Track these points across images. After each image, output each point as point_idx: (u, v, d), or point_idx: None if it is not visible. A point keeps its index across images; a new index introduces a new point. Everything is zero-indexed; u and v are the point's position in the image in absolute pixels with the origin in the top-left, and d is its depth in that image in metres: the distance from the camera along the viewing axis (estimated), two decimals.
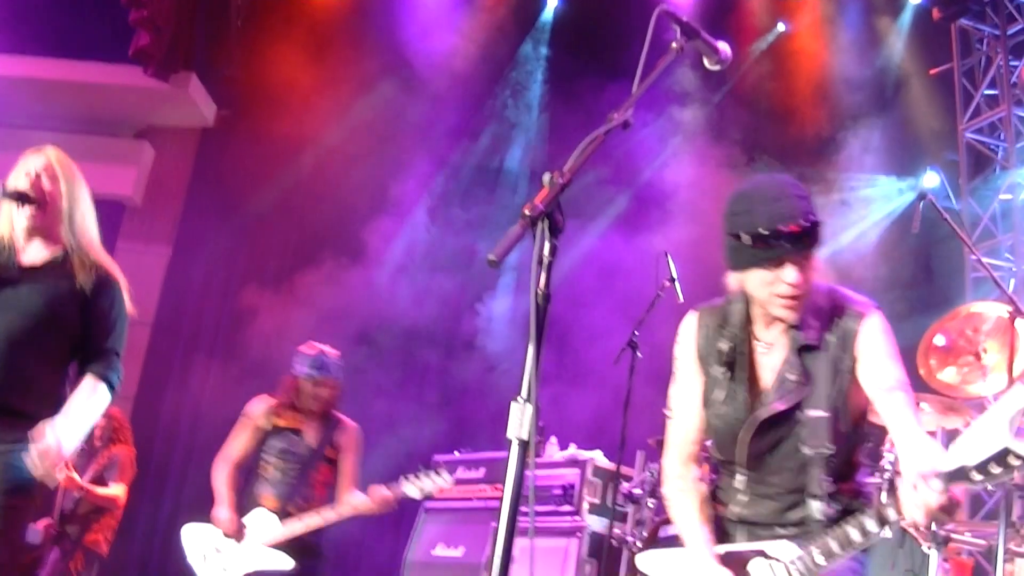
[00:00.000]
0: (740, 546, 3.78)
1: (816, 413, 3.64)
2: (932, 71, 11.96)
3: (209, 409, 12.08)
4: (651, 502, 7.70)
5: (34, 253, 5.01)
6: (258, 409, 7.37)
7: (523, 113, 13.46)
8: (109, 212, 13.45)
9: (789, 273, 3.58)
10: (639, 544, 7.51)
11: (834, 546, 3.48)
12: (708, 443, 4.04)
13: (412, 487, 6.93)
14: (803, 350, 3.71)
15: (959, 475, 3.16)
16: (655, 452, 7.79)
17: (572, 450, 8.74)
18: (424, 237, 12.97)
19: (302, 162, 12.91)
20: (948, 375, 7.17)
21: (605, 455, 8.62)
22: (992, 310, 6.98)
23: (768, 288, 3.62)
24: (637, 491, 7.80)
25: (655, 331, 8.02)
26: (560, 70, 13.30)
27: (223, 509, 7.09)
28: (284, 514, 6.98)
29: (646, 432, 7.93)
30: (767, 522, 3.75)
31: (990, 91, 11.65)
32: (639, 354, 8.01)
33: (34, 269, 4.91)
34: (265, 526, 6.99)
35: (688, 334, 3.97)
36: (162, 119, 13.71)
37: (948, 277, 10.92)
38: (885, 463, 6.44)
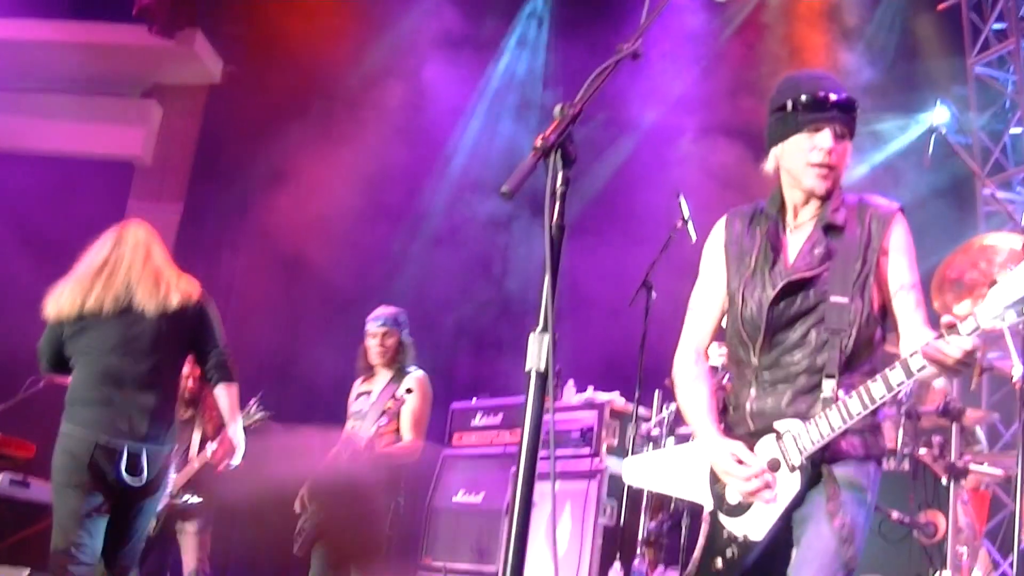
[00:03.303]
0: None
1: (838, 299, 3.73)
2: (940, 6, 11.86)
3: None
4: (670, 441, 7.73)
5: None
6: (353, 388, 7.82)
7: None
8: (119, 172, 13.51)
9: (825, 137, 3.79)
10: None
11: (845, 411, 3.60)
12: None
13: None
14: (829, 229, 3.84)
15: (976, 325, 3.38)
16: (672, 393, 7.80)
17: (590, 392, 8.76)
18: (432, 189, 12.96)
19: (310, 115, 12.88)
20: (962, 308, 7.16)
21: (622, 396, 8.64)
22: (1005, 242, 6.97)
23: (804, 155, 3.81)
24: (655, 431, 7.83)
25: (669, 271, 8.03)
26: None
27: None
28: None
29: (663, 373, 7.93)
30: (776, 413, 3.79)
31: (999, 25, 11.55)
32: (654, 294, 8.02)
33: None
34: None
35: (716, 233, 4.13)
36: (169, 77, 13.67)
37: (960, 210, 10.88)
38: (902, 395, 6.46)
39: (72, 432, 5.87)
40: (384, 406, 7.28)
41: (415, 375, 7.51)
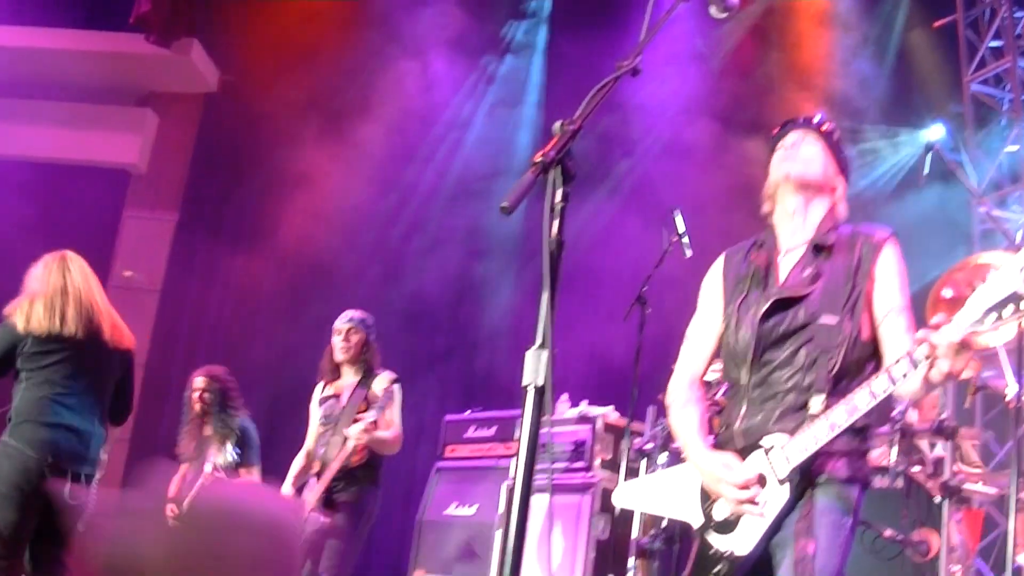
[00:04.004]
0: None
1: (828, 319, 3.78)
2: (936, 24, 11.89)
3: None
4: (663, 456, 7.72)
5: None
6: (315, 392, 7.83)
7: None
8: (115, 180, 13.52)
9: (789, 138, 4.08)
10: None
11: (830, 421, 3.62)
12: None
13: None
14: (819, 250, 3.93)
15: (978, 319, 3.42)
16: (665, 408, 7.80)
17: (583, 407, 8.75)
18: (433, 200, 12.94)
19: (306, 124, 12.89)
20: (938, 319, 7.15)
21: (616, 411, 8.64)
22: (1001, 260, 6.96)
23: (776, 159, 4.07)
24: (649, 446, 7.81)
25: (663, 287, 8.03)
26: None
27: (284, 486, 7.52)
28: (322, 474, 7.31)
29: (657, 388, 7.92)
30: (763, 431, 3.80)
31: (995, 43, 11.58)
32: (648, 310, 8.02)
33: None
34: (311, 491, 7.28)
35: (715, 267, 4.22)
36: (165, 86, 13.69)
37: (955, 229, 10.89)
38: (896, 413, 6.46)
39: (23, 450, 6.13)
40: (357, 410, 7.39)
41: (385, 375, 7.58)
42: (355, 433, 7.13)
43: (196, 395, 8.69)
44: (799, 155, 4.01)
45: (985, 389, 7.26)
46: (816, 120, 4.11)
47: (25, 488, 6.06)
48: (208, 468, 8.66)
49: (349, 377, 7.67)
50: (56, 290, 6.40)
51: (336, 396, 7.63)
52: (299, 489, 7.44)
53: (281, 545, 2.04)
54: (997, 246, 9.51)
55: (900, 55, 11.99)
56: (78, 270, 6.56)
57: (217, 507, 1.97)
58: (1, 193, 12.52)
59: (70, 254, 6.64)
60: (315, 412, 7.75)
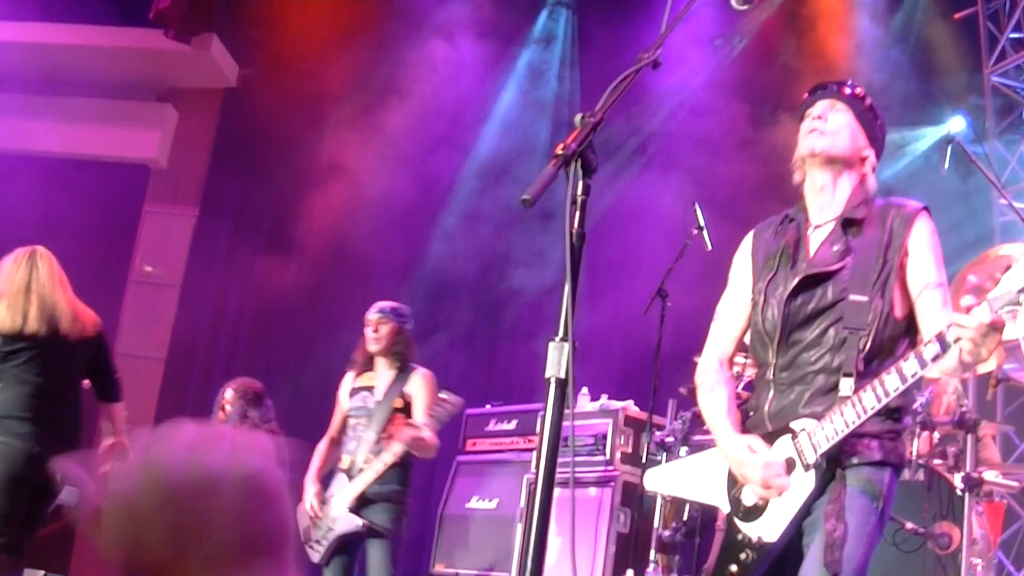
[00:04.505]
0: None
1: (857, 297, 3.71)
2: (956, 16, 11.85)
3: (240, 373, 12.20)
4: (684, 450, 7.71)
5: None
6: (344, 381, 7.70)
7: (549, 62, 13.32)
8: (135, 176, 13.55)
9: (816, 109, 3.97)
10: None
11: (860, 406, 3.55)
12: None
13: (431, 420, 7.03)
14: (849, 225, 3.85)
15: (1009, 299, 3.32)
16: (686, 401, 7.81)
17: (603, 400, 8.75)
18: (449, 191, 12.91)
19: (325, 117, 12.90)
20: (966, 302, 7.13)
21: (636, 404, 8.64)
22: (1021, 252, 6.93)
23: (803, 130, 3.98)
24: (669, 439, 7.81)
25: (684, 279, 8.04)
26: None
27: (308, 483, 7.37)
28: (355, 471, 7.17)
29: (677, 381, 7.93)
30: (792, 414, 3.76)
31: (1015, 34, 11.54)
32: (668, 303, 8.03)
33: None
34: (341, 489, 7.20)
35: (745, 244, 4.17)
36: (184, 81, 13.69)
37: (976, 221, 10.85)
38: (918, 405, 6.45)
39: (9, 443, 6.47)
40: (392, 407, 7.30)
41: (420, 373, 7.45)
42: (395, 447, 7.03)
43: (222, 406, 8.76)
44: (826, 127, 3.91)
45: (1006, 381, 7.25)
46: (846, 86, 4.01)
47: (18, 476, 6.41)
48: None
49: (383, 370, 7.52)
50: (20, 288, 6.63)
51: (369, 389, 7.47)
52: (324, 480, 7.38)
53: (263, 494, 2.04)
54: (1018, 238, 9.46)
55: (920, 47, 11.94)
56: (45, 267, 6.74)
57: (185, 470, 1.98)
58: (21, 188, 12.57)
59: (40, 250, 6.84)
60: (344, 401, 7.62)
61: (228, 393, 8.80)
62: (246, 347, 12.76)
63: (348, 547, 7.22)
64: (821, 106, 3.95)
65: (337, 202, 12.20)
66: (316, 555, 7.24)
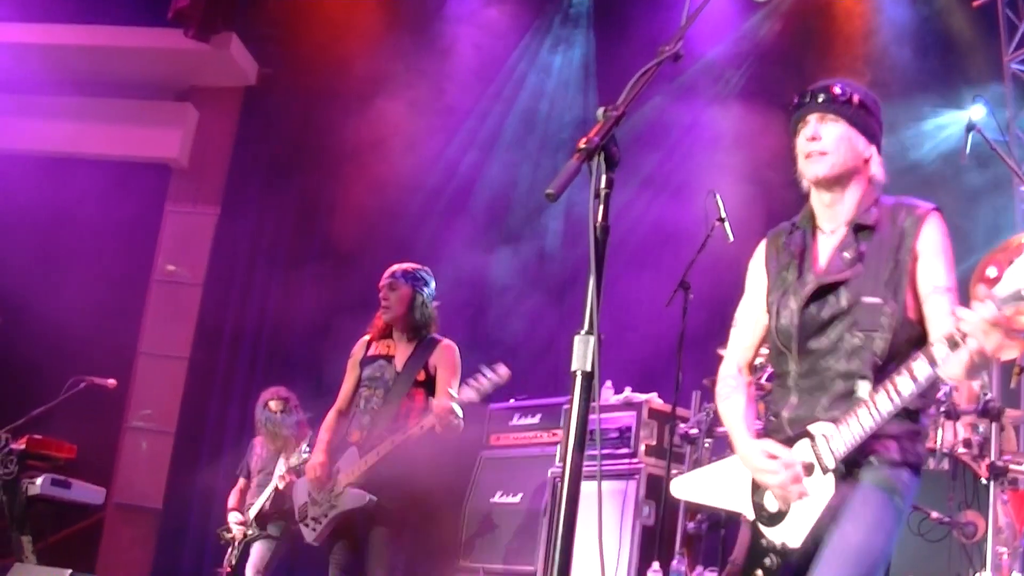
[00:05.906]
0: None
1: (870, 300, 3.69)
2: (975, 2, 11.79)
3: (263, 369, 12.27)
4: (708, 442, 7.72)
5: None
6: (357, 347, 7.11)
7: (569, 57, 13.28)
8: (156, 175, 13.61)
9: (807, 127, 3.86)
10: None
11: (875, 409, 3.52)
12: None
13: (470, 391, 6.51)
14: (860, 230, 3.82)
15: (1014, 296, 3.24)
16: (710, 393, 7.80)
17: (627, 393, 8.76)
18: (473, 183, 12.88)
19: (346, 116, 12.91)
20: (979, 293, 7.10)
21: (660, 397, 8.64)
22: None
23: (800, 152, 3.88)
24: (693, 431, 7.82)
25: (706, 271, 8.04)
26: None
27: (316, 454, 6.82)
28: (367, 446, 6.61)
29: (701, 373, 7.93)
30: (811, 420, 3.74)
31: None
32: (691, 295, 8.03)
33: None
34: (350, 463, 6.66)
35: (758, 252, 4.15)
36: (204, 80, 13.74)
37: (997, 209, 10.81)
38: (941, 394, 6.44)
39: None
40: (413, 379, 6.74)
41: (445, 344, 6.90)
42: (424, 422, 6.45)
43: (262, 409, 8.87)
44: (823, 146, 3.80)
45: None
46: (832, 97, 3.86)
47: None
48: (281, 470, 8.80)
49: (402, 341, 6.94)
50: None
51: (386, 357, 6.89)
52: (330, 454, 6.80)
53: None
54: None
55: (940, 34, 11.89)
56: None
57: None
58: (44, 189, 12.64)
59: None
60: (354, 369, 7.02)
61: (273, 404, 8.87)
62: (268, 344, 12.79)
63: (350, 529, 6.68)
64: (812, 123, 3.85)
65: (359, 199, 12.21)
66: (311, 534, 6.79)
